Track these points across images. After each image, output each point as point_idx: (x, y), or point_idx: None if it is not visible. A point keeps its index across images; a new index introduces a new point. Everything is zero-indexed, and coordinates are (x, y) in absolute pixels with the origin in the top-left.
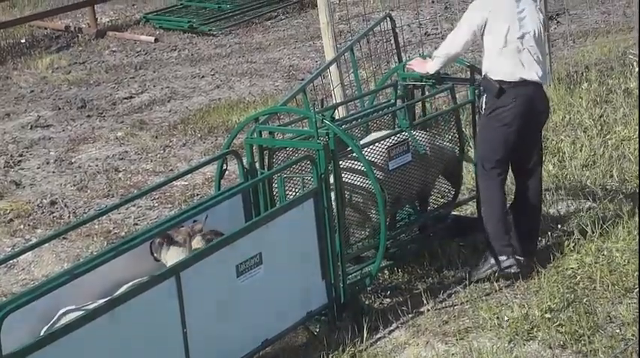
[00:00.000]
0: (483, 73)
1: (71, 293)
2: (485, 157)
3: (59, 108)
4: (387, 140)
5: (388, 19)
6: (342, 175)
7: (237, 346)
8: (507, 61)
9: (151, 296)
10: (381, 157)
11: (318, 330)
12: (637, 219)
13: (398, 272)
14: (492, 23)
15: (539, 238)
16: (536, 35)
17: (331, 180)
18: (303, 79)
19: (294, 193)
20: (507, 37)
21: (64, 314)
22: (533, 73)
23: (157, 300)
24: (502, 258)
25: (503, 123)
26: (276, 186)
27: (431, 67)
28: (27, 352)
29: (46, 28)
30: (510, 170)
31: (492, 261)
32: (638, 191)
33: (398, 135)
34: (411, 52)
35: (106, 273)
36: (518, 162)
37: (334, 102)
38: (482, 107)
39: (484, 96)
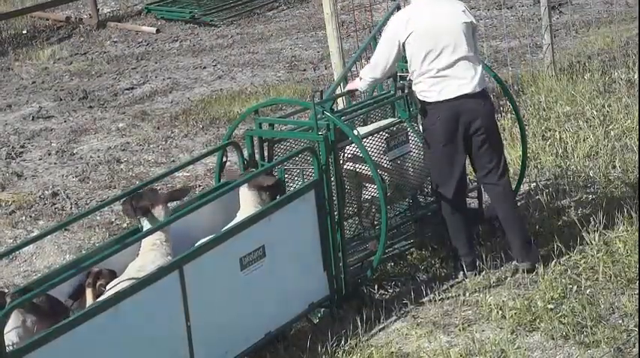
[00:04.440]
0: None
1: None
2: (434, 174)
3: (60, 99)
4: (386, 130)
5: (397, 9)
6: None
7: (241, 338)
8: (425, 83)
9: (154, 290)
10: (380, 148)
11: (318, 320)
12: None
13: (400, 263)
14: (407, 48)
15: (540, 231)
16: (457, 45)
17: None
18: (305, 70)
19: (294, 185)
20: (422, 62)
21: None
22: (455, 88)
23: (160, 294)
24: (468, 273)
25: (436, 140)
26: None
27: (360, 85)
28: (33, 346)
29: (47, 19)
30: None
31: (460, 274)
32: (638, 181)
33: (397, 126)
34: None
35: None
36: (476, 171)
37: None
38: (420, 122)
39: (419, 114)
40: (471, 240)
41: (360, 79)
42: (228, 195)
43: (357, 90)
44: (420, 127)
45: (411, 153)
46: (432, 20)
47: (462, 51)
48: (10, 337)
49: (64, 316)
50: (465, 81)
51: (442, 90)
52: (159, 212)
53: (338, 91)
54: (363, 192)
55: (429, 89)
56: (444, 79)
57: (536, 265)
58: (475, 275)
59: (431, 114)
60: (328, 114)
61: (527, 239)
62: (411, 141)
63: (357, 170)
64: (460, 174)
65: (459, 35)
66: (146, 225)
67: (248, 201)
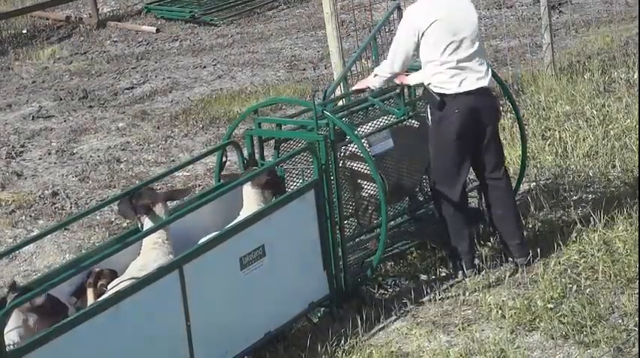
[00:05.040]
0: (425, 84)
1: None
2: (439, 172)
3: (60, 99)
4: (366, 126)
5: (397, 9)
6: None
7: (240, 338)
8: (446, 74)
9: (154, 290)
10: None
11: (318, 320)
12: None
13: (400, 262)
14: (426, 38)
15: (535, 231)
16: (473, 38)
17: None
18: (304, 70)
19: (294, 184)
20: (443, 53)
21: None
22: (473, 81)
23: (160, 293)
24: (468, 271)
25: (450, 134)
26: None
27: (373, 82)
28: (33, 346)
29: (47, 19)
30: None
31: (460, 273)
32: (638, 181)
33: (376, 122)
34: None
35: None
36: (478, 169)
37: (336, 92)
38: (427, 118)
39: (428, 108)
40: (472, 240)
41: (375, 75)
42: (229, 194)
43: (367, 88)
44: (429, 121)
45: (395, 152)
46: (452, 11)
47: (477, 45)
48: (11, 336)
49: (63, 315)
50: (481, 74)
51: (462, 81)
52: (160, 210)
53: (338, 91)
54: (361, 191)
55: (450, 80)
56: (463, 71)
57: (530, 257)
58: (475, 274)
59: (449, 106)
60: (328, 113)
61: (524, 235)
62: (392, 138)
63: (354, 168)
64: (467, 172)
65: (474, 29)
66: (147, 223)
67: (251, 200)
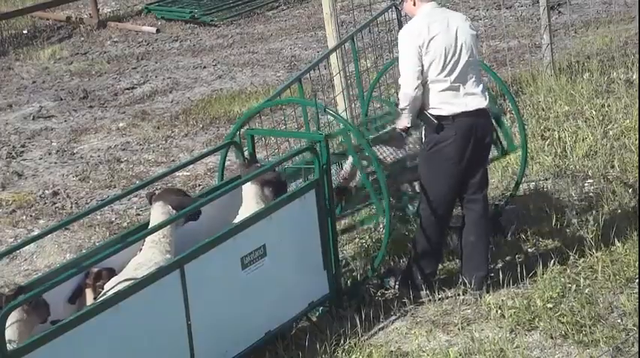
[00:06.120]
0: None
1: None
2: (429, 193)
3: (61, 99)
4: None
5: (394, 8)
6: None
7: (241, 337)
8: (441, 95)
9: (155, 289)
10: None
11: (317, 319)
12: (637, 209)
13: (400, 262)
14: (425, 57)
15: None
16: (469, 58)
17: None
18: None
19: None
20: (440, 73)
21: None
22: (470, 102)
23: (161, 293)
24: (414, 291)
25: (446, 158)
26: None
27: (402, 123)
28: (33, 346)
29: (47, 19)
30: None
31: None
32: (638, 181)
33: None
34: None
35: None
36: (461, 189)
37: (335, 91)
38: (421, 138)
39: (423, 129)
40: (439, 260)
41: (401, 110)
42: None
43: (405, 127)
44: (423, 141)
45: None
46: (448, 29)
47: (473, 65)
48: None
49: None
50: (478, 95)
51: (459, 102)
52: (165, 210)
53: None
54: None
55: (446, 101)
56: (460, 91)
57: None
58: (433, 293)
59: (447, 129)
60: (331, 112)
61: (488, 268)
62: (407, 148)
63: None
64: (457, 194)
65: (471, 49)
66: (151, 220)
67: (250, 196)
